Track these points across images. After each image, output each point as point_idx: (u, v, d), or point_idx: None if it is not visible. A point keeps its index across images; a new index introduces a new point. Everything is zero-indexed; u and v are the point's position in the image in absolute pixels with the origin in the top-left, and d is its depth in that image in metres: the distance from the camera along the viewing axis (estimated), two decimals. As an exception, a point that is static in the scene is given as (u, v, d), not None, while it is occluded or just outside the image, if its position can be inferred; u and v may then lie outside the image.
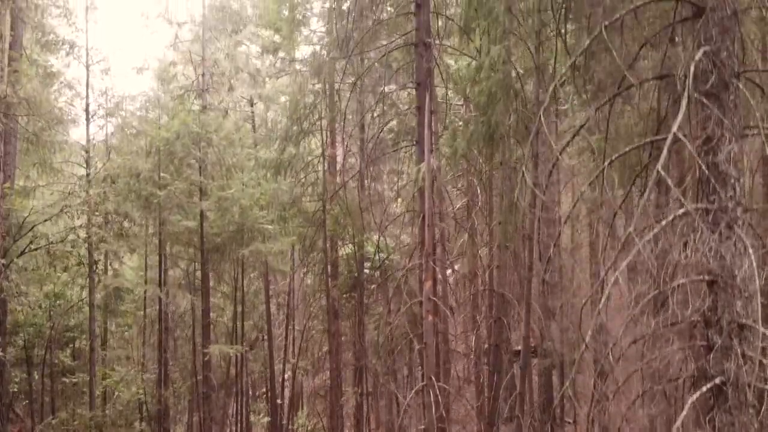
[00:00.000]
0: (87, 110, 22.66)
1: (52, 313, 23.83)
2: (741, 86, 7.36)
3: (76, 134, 24.43)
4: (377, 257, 21.94)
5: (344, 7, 19.83)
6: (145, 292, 22.64)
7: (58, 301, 23.68)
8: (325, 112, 22.20)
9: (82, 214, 18.04)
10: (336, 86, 21.69)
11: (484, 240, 22.02)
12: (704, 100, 6.88)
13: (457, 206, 24.84)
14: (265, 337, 27.11)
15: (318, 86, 21.17)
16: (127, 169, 17.50)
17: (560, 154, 8.27)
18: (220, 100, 26.35)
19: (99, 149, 21.08)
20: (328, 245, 21.95)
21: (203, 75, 25.79)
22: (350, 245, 23.40)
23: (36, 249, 17.59)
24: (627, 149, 7.79)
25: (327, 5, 21.63)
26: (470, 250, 22.63)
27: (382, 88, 22.18)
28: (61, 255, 17.91)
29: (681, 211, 7.31)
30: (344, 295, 23.77)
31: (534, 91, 16.11)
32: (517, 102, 16.22)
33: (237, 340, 25.82)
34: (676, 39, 8.34)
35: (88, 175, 18.67)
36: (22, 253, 17.06)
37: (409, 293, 18.08)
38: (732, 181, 7.52)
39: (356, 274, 23.05)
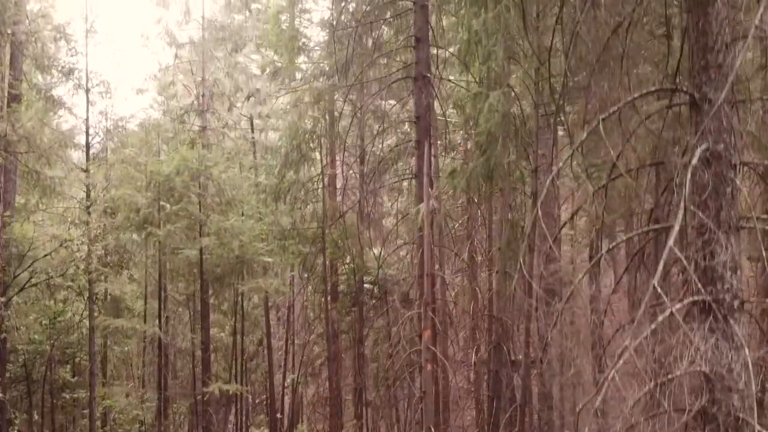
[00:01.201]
0: (87, 134, 22.67)
1: (51, 331, 23.88)
2: (738, 181, 7.38)
3: (76, 155, 24.55)
4: (378, 272, 21.92)
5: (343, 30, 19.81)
6: (145, 312, 22.67)
7: (58, 318, 23.71)
8: (324, 139, 22.20)
9: (82, 244, 18.05)
10: (336, 105, 21.74)
11: (484, 263, 22.06)
12: (700, 214, 6.90)
13: (457, 224, 24.80)
14: (265, 351, 27.17)
15: (318, 113, 21.15)
16: (126, 204, 17.53)
17: (559, 233, 8.30)
18: (220, 119, 26.46)
19: (99, 173, 21.05)
20: (327, 272, 21.97)
21: (203, 95, 25.85)
22: (350, 264, 23.44)
23: (36, 284, 17.62)
24: (623, 239, 7.82)
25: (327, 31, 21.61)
26: (470, 270, 22.66)
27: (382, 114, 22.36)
28: (61, 287, 17.91)
29: (677, 306, 7.35)
30: (344, 310, 23.84)
31: (534, 126, 16.14)
32: (518, 140, 16.25)
33: (237, 355, 25.97)
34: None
35: (88, 207, 18.68)
36: (22, 288, 17.11)
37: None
38: (728, 274, 7.56)
39: (355, 294, 23.09)
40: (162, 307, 19.53)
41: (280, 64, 24.12)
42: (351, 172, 25.68)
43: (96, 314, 18.22)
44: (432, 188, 17.07)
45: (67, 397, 26.00)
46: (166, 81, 26.13)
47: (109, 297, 18.89)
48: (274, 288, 19.48)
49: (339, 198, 24.14)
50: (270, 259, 18.77)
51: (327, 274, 21.84)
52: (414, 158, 18.52)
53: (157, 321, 19.11)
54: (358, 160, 23.82)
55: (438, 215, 16.69)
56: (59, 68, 22.44)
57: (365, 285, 24.17)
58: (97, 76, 23.58)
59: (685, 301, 7.43)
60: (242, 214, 18.82)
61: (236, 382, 26.75)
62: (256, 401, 33.63)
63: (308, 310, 27.77)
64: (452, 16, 17.86)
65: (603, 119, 7.63)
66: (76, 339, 25.56)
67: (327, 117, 21.70)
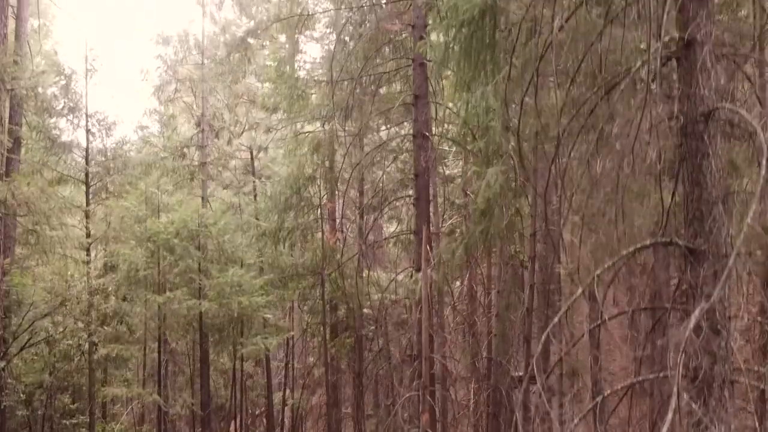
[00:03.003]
0: (87, 176, 22.73)
1: (51, 359, 23.98)
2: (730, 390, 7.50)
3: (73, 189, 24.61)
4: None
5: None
6: (145, 340, 22.72)
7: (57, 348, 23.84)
8: (323, 180, 22.27)
9: (81, 303, 18.16)
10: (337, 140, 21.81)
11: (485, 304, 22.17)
12: (693, 405, 6.98)
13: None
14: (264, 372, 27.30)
15: (317, 159, 21.19)
16: (126, 261, 17.62)
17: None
18: (219, 151, 26.48)
19: (99, 225, 21.12)
20: (326, 316, 22.08)
21: (203, 131, 25.88)
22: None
23: (35, 344, 17.73)
24: (620, 388, 7.92)
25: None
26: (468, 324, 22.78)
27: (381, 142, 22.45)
28: (60, 342, 18.01)
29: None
30: (343, 350, 23.97)
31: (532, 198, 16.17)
32: (519, 204, 16.29)
33: (235, 383, 26.13)
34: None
35: (88, 263, 18.79)
36: (22, 349, 17.22)
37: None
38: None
39: (356, 335, 23.21)
40: (161, 372, 19.59)
41: (279, 99, 24.19)
42: (350, 208, 25.89)
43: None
44: (430, 250, 17.16)
45: (68, 423, 26.22)
46: (167, 115, 26.16)
47: (108, 361, 18.99)
48: (274, 346, 19.58)
49: (338, 233, 24.28)
50: (270, 316, 18.89)
51: (325, 319, 21.95)
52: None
53: (156, 387, 19.20)
54: (358, 192, 24.01)
55: (437, 275, 16.75)
56: (59, 110, 22.51)
57: (365, 310, 24.35)
58: (98, 114, 23.75)
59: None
60: (242, 265, 18.89)
61: (234, 399, 26.91)
62: (256, 413, 33.95)
63: (308, 338, 27.98)
64: (451, 75, 17.84)
65: (598, 275, 7.68)
66: (75, 366, 25.76)
67: (327, 162, 21.78)
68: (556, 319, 8.19)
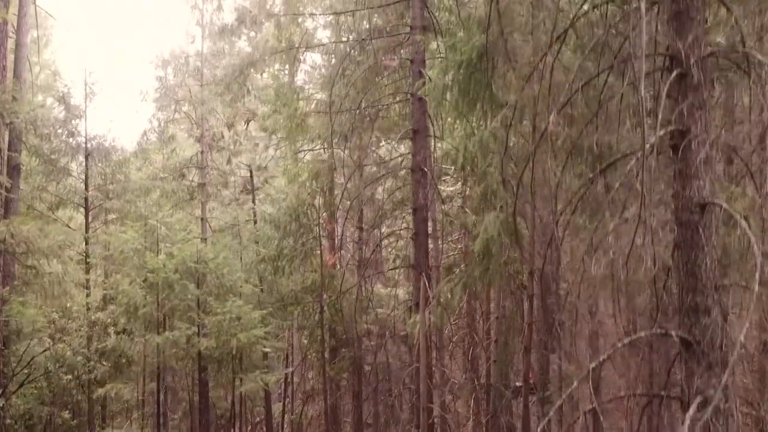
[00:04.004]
0: (86, 201, 22.80)
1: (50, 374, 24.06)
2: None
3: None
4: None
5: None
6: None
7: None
8: (322, 206, 22.29)
9: (81, 337, 18.23)
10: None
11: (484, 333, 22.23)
12: None
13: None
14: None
15: (316, 186, 21.21)
16: (126, 299, 17.67)
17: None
18: (219, 171, 26.51)
19: (99, 246, 21.19)
20: (325, 343, 22.15)
21: (202, 152, 25.89)
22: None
23: (34, 380, 17.78)
24: None
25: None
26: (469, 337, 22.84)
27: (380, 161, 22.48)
28: (59, 377, 18.08)
29: None
30: (342, 373, 24.06)
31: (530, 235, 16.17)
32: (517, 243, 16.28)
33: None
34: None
35: (87, 295, 18.86)
36: (21, 386, 17.28)
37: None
38: None
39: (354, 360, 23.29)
40: (160, 410, 19.64)
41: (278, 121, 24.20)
42: (349, 231, 25.94)
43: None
44: (429, 287, 17.20)
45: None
46: (167, 135, 26.15)
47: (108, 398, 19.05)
48: (273, 382, 19.67)
49: (337, 253, 24.31)
50: (269, 349, 18.96)
51: (324, 347, 22.03)
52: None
53: (155, 422, 19.28)
54: (358, 207, 24.02)
55: (436, 316, 16.78)
56: (59, 134, 22.56)
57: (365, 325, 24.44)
58: (97, 138, 23.80)
59: None
60: (240, 296, 18.94)
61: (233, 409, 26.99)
62: (256, 421, 34.12)
63: (307, 356, 28.04)
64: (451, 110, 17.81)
65: (593, 368, 7.73)
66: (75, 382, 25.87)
67: (326, 188, 21.80)
68: (556, 406, 8.26)
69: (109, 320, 18.54)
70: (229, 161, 26.81)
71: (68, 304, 19.37)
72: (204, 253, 18.02)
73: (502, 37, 11.43)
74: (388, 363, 22.38)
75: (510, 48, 10.03)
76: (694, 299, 8.07)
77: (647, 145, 7.48)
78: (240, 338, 16.87)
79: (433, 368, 17.34)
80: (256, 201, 24.96)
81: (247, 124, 27.13)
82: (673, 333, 8.00)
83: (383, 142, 24.81)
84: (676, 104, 8.00)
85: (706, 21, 8.30)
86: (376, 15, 19.65)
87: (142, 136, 25.89)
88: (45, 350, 17.83)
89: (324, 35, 24.44)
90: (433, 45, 18.10)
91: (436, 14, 18.71)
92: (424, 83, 16.71)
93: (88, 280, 19.35)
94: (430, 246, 18.72)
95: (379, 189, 22.55)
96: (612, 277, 7.29)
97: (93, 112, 24.35)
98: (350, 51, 18.46)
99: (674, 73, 7.92)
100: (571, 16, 8.56)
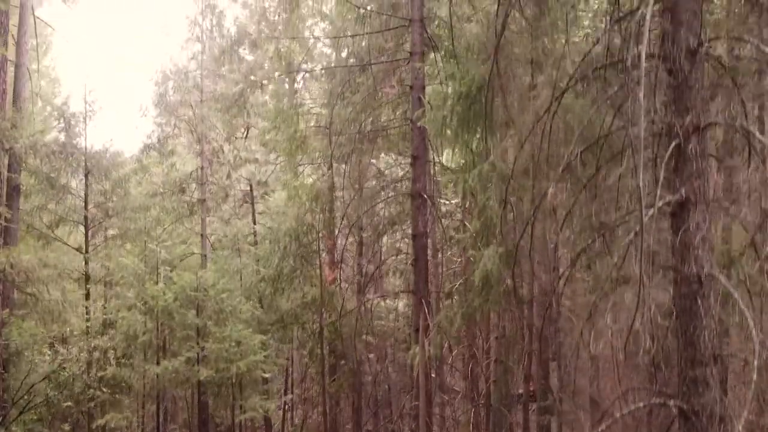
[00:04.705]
0: (86, 219, 22.76)
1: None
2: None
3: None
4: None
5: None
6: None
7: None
8: (323, 228, 22.27)
9: (80, 362, 18.25)
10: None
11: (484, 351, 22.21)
12: None
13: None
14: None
15: (316, 207, 21.17)
16: (125, 326, 17.68)
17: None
18: (219, 185, 26.46)
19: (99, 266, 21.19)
20: (325, 361, 22.16)
21: (202, 168, 25.85)
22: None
23: (33, 407, 17.79)
24: None
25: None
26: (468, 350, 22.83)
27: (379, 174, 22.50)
28: (59, 399, 18.10)
29: None
30: (342, 390, 24.09)
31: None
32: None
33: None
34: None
35: (87, 319, 18.87)
36: (21, 413, 17.29)
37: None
38: None
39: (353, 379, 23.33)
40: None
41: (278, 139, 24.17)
42: (349, 242, 25.91)
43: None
44: (429, 315, 17.19)
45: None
46: (167, 150, 26.09)
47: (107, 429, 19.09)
48: (273, 408, 19.70)
49: (337, 269, 24.31)
50: (269, 375, 18.98)
51: (324, 368, 22.04)
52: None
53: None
54: (357, 230, 24.06)
55: (436, 344, 16.78)
56: (58, 153, 22.48)
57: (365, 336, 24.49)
58: (97, 156, 23.71)
59: None
60: (240, 320, 18.94)
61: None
62: (256, 426, 34.24)
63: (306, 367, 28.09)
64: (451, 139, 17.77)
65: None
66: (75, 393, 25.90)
67: (326, 209, 21.76)
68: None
69: (108, 345, 18.55)
70: (228, 176, 26.76)
71: (68, 329, 19.38)
72: (204, 279, 18.00)
73: (499, 78, 11.44)
74: (387, 373, 22.39)
75: (509, 104, 9.97)
76: (693, 370, 8.06)
77: (645, 218, 7.44)
78: (240, 365, 16.88)
79: (433, 396, 17.33)
80: (256, 215, 24.92)
81: (246, 132, 27.07)
82: (672, 403, 8.00)
83: (383, 154, 24.80)
84: (675, 175, 7.97)
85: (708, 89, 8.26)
86: (375, 37, 19.58)
87: (141, 152, 25.76)
88: (45, 377, 17.85)
89: (324, 51, 24.32)
90: (434, 68, 18.03)
91: (437, 32, 18.56)
92: (423, 112, 16.67)
93: (87, 308, 19.33)
94: (431, 270, 18.70)
95: (380, 204, 22.47)
96: (612, 355, 7.27)
97: (93, 122, 24.18)
98: (350, 78, 18.35)
99: (673, 144, 7.89)
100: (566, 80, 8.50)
